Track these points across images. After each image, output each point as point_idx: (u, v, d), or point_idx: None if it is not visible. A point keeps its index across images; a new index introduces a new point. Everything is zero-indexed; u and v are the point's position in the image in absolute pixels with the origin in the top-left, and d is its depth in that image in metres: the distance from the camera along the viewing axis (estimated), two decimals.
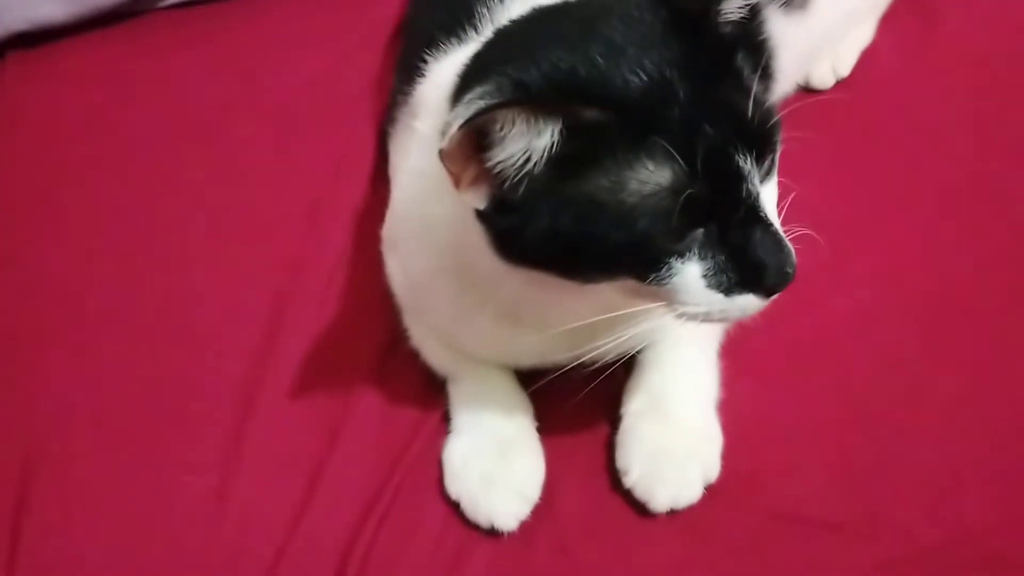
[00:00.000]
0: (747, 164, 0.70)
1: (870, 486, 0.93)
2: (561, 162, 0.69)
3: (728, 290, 0.73)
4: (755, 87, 0.72)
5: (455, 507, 0.93)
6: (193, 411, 1.01)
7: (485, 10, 0.87)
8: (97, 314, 1.08)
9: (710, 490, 0.91)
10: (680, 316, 0.75)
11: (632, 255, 0.71)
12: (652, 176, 0.69)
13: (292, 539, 0.92)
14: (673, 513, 0.91)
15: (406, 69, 1.01)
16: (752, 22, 0.79)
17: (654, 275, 0.72)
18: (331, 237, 1.12)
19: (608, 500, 0.93)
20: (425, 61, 0.93)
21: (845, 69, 1.21)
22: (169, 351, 1.05)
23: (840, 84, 1.21)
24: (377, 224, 1.02)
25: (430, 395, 1.00)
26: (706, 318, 0.75)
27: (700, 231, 0.72)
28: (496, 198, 0.72)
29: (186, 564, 0.92)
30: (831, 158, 1.13)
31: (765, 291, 0.74)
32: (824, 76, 1.21)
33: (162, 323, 1.07)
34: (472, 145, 0.69)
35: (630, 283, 0.74)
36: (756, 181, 0.71)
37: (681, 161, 0.69)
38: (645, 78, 0.70)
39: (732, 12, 0.75)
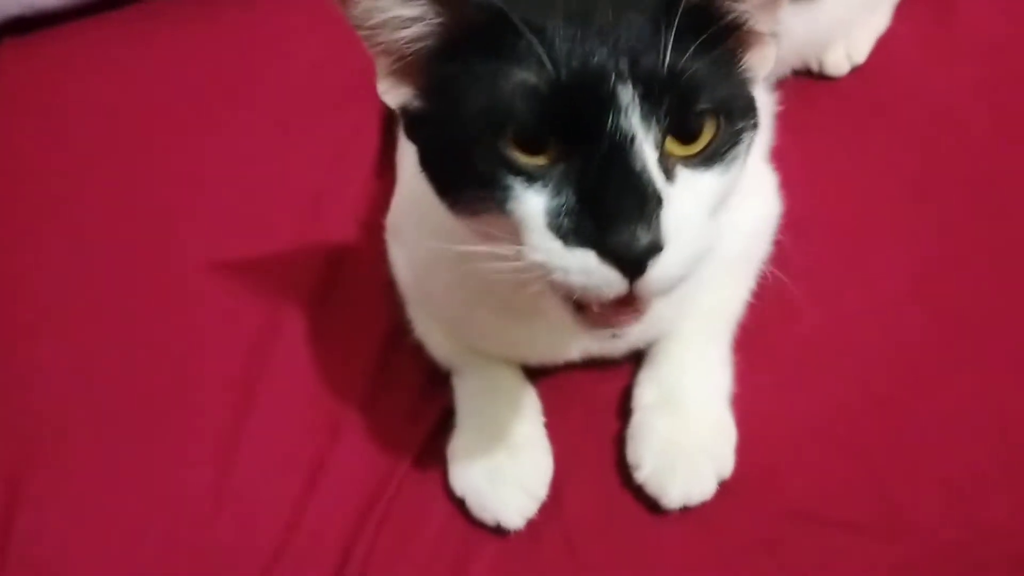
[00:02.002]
0: (627, 95, 0.65)
1: (889, 484, 0.91)
2: (448, 46, 0.69)
3: (566, 238, 0.65)
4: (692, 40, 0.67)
5: (460, 504, 0.91)
6: (190, 405, 0.99)
7: None
8: (92, 307, 1.06)
9: (723, 487, 0.89)
10: (528, 268, 0.67)
11: (481, 156, 0.67)
12: (519, 70, 0.66)
13: (291, 536, 0.90)
14: (685, 510, 0.89)
15: None
16: None
17: (493, 191, 0.67)
18: (332, 227, 1.10)
19: (618, 497, 0.91)
20: None
21: (860, 56, 1.19)
22: (166, 344, 1.03)
23: (856, 71, 1.19)
24: (380, 214, 1.00)
25: (434, 389, 0.98)
26: (548, 276, 0.66)
27: (561, 166, 0.66)
28: (407, 96, 0.72)
29: (181, 561, 0.91)
30: (847, 146, 1.11)
31: (607, 252, 0.64)
32: (839, 63, 1.18)
33: (159, 315, 1.05)
34: None
35: (487, 219, 0.69)
36: (636, 120, 0.65)
37: (549, 66, 0.65)
38: None
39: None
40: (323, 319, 1.03)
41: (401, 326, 1.00)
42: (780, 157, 1.02)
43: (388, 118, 1.13)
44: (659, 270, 0.65)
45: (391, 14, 0.69)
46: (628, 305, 0.68)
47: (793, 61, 1.16)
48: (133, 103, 1.23)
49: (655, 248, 0.64)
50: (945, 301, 1.01)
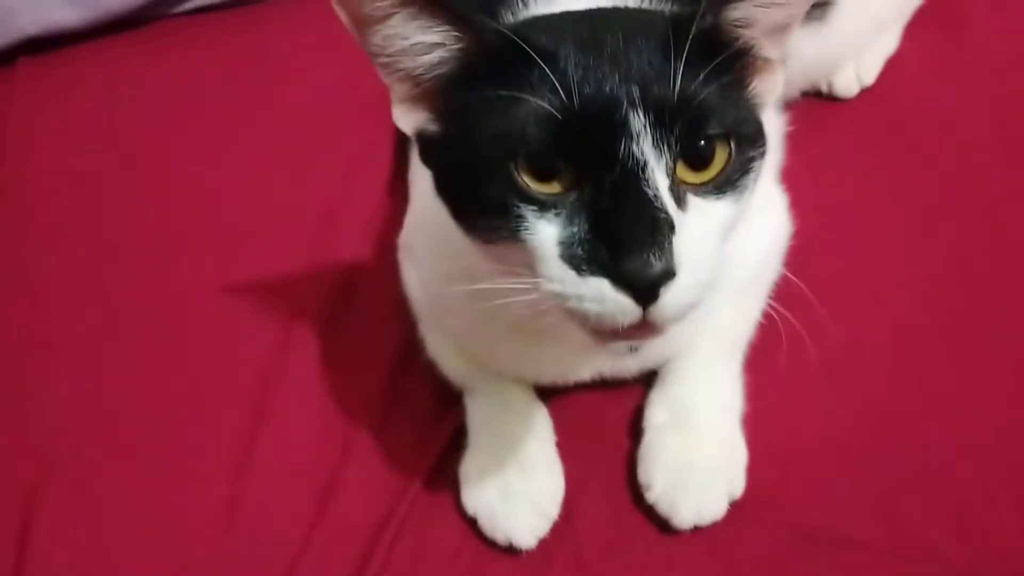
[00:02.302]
0: (639, 122, 0.66)
1: (898, 502, 0.91)
2: (466, 72, 0.70)
3: (579, 267, 0.66)
4: (704, 71, 0.68)
5: (471, 523, 0.91)
6: (203, 422, 0.99)
7: (509, 14, 0.84)
8: (106, 324, 1.06)
9: (733, 506, 0.89)
10: (544, 299, 0.68)
11: (494, 183, 0.67)
12: (532, 97, 0.66)
13: (304, 555, 0.90)
14: (696, 530, 0.89)
15: None
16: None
17: (506, 220, 0.67)
18: (344, 246, 1.10)
19: (629, 517, 0.91)
20: None
21: (870, 77, 1.20)
22: (179, 361, 1.03)
23: (865, 92, 1.20)
24: (392, 232, 1.01)
25: (446, 408, 0.98)
26: (565, 305, 0.67)
27: (574, 195, 0.67)
28: (423, 121, 0.73)
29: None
30: (856, 167, 1.12)
31: (620, 279, 0.65)
32: (848, 84, 1.19)
33: (172, 333, 1.05)
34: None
35: (502, 247, 0.70)
36: (647, 146, 0.66)
37: (562, 93, 0.66)
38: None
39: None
40: (335, 337, 1.03)
41: (413, 345, 1.00)
42: (790, 178, 1.03)
43: (400, 136, 1.14)
44: (672, 296, 0.65)
45: (412, 41, 0.69)
46: (642, 329, 0.69)
47: (803, 83, 1.17)
48: (146, 123, 1.24)
49: (668, 274, 0.65)
50: (955, 320, 1.01)
